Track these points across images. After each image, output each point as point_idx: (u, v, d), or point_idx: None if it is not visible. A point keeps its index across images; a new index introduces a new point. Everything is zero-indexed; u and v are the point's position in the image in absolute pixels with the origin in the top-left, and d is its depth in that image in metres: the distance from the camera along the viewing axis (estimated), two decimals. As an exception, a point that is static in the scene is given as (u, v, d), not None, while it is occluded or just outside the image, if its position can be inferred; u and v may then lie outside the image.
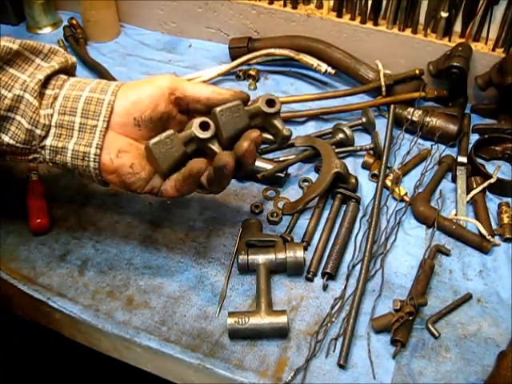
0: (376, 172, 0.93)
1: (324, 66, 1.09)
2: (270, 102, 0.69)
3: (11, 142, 0.67)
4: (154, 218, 0.86)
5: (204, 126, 0.67)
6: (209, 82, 1.15)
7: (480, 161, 0.96)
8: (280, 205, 0.89)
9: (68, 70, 0.73)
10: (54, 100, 0.68)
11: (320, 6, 1.16)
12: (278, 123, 0.70)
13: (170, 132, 0.66)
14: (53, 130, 0.67)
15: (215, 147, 0.67)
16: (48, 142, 0.67)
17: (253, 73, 1.16)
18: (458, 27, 1.07)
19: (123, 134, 0.68)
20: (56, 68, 0.70)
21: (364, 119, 1.02)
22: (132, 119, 0.68)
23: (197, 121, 0.67)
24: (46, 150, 0.68)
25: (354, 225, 0.86)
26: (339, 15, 1.14)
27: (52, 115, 0.67)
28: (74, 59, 0.75)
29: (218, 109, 0.66)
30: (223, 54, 1.24)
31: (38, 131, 0.67)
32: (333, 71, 1.08)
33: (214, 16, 1.25)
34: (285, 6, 1.18)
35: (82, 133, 0.67)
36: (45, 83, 0.68)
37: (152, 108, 0.68)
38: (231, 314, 0.71)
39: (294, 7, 1.17)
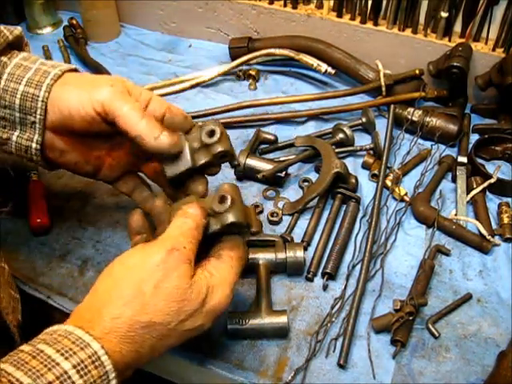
0: (376, 172, 0.93)
1: (324, 66, 1.09)
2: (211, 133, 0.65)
3: None
4: (154, 217, 0.86)
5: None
6: (209, 82, 1.15)
7: (480, 161, 0.96)
8: (280, 205, 0.89)
9: (14, 42, 0.70)
10: None
11: (320, 6, 1.16)
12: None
13: None
14: None
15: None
16: None
17: (253, 73, 1.16)
18: (458, 27, 1.07)
19: (61, 135, 0.68)
20: None
21: (364, 119, 1.02)
22: (65, 129, 0.67)
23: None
24: None
25: (353, 225, 0.86)
26: (339, 15, 1.14)
27: None
28: (16, 31, 0.70)
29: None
30: (223, 53, 1.24)
31: None
32: (333, 71, 1.08)
33: (214, 16, 1.25)
34: (285, 5, 1.18)
35: (24, 126, 0.67)
36: None
37: (83, 127, 0.66)
38: (231, 314, 0.71)
39: (294, 7, 1.17)
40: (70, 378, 0.46)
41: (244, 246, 0.63)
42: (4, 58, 0.67)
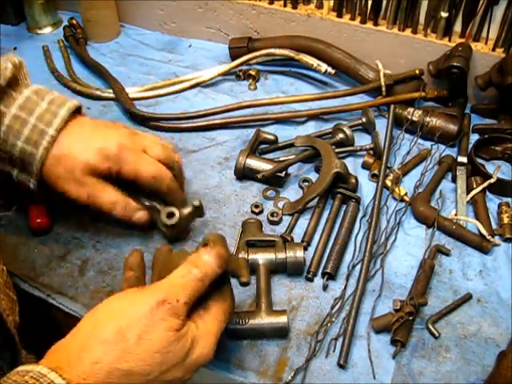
0: (376, 172, 0.93)
1: (324, 66, 1.09)
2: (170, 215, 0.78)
3: None
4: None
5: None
6: (209, 82, 1.15)
7: (480, 161, 0.96)
8: (280, 205, 0.89)
9: (12, 80, 0.73)
10: None
11: (320, 6, 1.16)
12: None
13: None
14: None
15: None
16: None
17: (253, 73, 1.16)
18: (458, 27, 1.07)
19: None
20: None
21: (364, 119, 1.02)
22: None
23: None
24: None
25: (354, 225, 0.86)
26: (339, 15, 1.14)
27: None
28: (7, 73, 0.73)
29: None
30: (223, 54, 1.24)
31: None
32: (333, 71, 1.08)
33: (214, 16, 1.25)
34: (285, 5, 1.18)
35: (23, 169, 0.74)
36: None
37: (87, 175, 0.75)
38: (231, 314, 0.71)
39: (294, 7, 1.17)
40: None
41: (231, 298, 0.62)
42: (1, 107, 0.72)
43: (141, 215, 0.79)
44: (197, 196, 0.90)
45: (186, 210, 0.80)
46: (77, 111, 0.78)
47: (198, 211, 0.81)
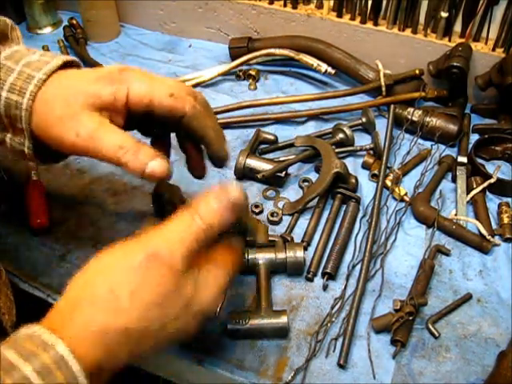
0: (376, 172, 0.93)
1: (324, 66, 1.09)
2: None
3: None
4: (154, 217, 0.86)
5: None
6: (209, 82, 1.15)
7: (480, 161, 0.96)
8: (280, 205, 0.89)
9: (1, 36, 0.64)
10: None
11: (320, 6, 1.16)
12: None
13: None
14: None
15: None
16: None
17: (253, 73, 1.16)
18: (458, 27, 1.07)
19: None
20: None
21: (364, 119, 1.02)
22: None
23: None
24: None
25: (354, 225, 0.86)
26: (339, 15, 1.14)
27: None
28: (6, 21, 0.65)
29: None
30: (223, 54, 1.24)
31: None
32: (333, 71, 1.08)
33: (214, 16, 1.25)
34: (285, 5, 1.18)
35: (14, 130, 0.62)
36: None
37: (72, 152, 0.61)
38: (231, 314, 0.71)
39: (294, 7, 1.17)
40: (29, 382, 0.41)
41: (241, 251, 0.59)
42: None
43: (157, 164, 0.57)
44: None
45: None
46: (74, 65, 0.65)
47: None
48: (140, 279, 0.49)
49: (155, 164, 0.57)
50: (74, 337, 0.46)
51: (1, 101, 0.60)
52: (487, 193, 0.92)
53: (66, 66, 0.62)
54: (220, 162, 0.66)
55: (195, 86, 1.14)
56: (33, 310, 0.76)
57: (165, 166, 0.57)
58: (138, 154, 0.57)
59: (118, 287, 0.49)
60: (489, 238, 0.83)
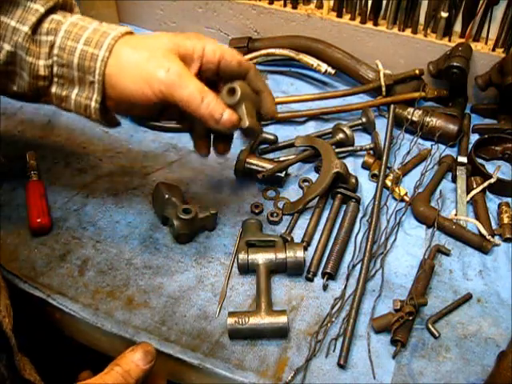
0: (376, 172, 0.93)
1: (324, 66, 1.09)
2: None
3: (19, 90, 0.68)
4: (154, 218, 0.86)
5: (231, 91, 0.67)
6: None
7: (480, 161, 0.96)
8: (280, 205, 0.89)
9: (64, 4, 0.70)
10: (50, 49, 0.66)
11: (320, 6, 1.16)
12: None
13: None
14: (55, 79, 0.67)
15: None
16: (53, 89, 0.68)
17: (253, 73, 1.16)
18: (458, 27, 1.07)
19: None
20: (42, 12, 0.66)
21: (364, 119, 1.02)
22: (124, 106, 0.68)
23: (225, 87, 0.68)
24: (52, 97, 0.68)
25: (354, 225, 0.86)
26: (339, 15, 1.14)
27: (51, 66, 0.66)
28: None
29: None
30: (223, 53, 1.24)
31: (41, 82, 0.67)
32: (333, 71, 1.08)
33: (213, 16, 1.25)
34: (285, 5, 1.18)
35: (83, 85, 0.66)
36: (36, 28, 0.65)
37: (145, 110, 0.69)
38: (231, 314, 0.71)
39: (294, 7, 1.17)
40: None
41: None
42: (58, 17, 0.66)
43: (230, 115, 0.65)
44: (197, 196, 0.90)
45: (203, 214, 0.81)
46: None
47: (212, 220, 0.83)
48: None
49: (228, 114, 0.65)
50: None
51: (75, 53, 0.64)
52: (487, 193, 0.92)
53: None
54: (270, 117, 0.74)
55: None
56: (33, 310, 0.77)
57: (235, 117, 0.66)
58: (217, 101, 0.64)
59: None
60: (489, 237, 0.83)
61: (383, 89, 1.06)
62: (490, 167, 0.95)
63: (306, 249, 0.82)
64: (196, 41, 0.67)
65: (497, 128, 1.01)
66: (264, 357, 0.69)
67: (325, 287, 0.77)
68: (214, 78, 0.70)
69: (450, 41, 1.07)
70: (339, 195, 0.88)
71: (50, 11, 0.67)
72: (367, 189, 0.93)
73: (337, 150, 0.96)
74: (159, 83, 0.63)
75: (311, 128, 1.05)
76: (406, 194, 0.90)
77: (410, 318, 0.71)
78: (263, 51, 1.14)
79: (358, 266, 0.79)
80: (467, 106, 1.08)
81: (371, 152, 0.97)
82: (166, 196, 0.82)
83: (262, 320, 0.70)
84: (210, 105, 0.64)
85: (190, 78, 0.64)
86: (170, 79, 0.62)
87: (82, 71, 0.65)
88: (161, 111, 0.72)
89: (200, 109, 0.64)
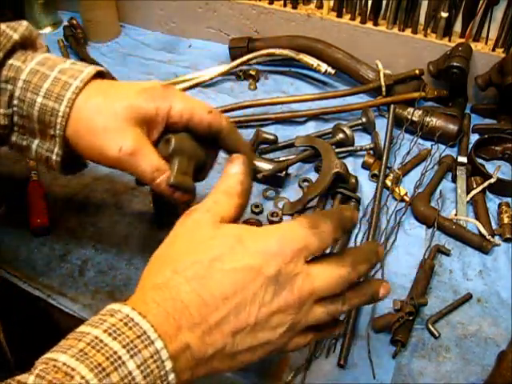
0: (376, 172, 0.93)
1: (324, 66, 1.09)
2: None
3: None
4: (154, 218, 0.86)
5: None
6: (209, 82, 1.15)
7: (480, 161, 0.96)
8: (280, 205, 0.89)
9: (23, 41, 0.65)
10: (10, 99, 0.62)
11: (320, 6, 1.16)
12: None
13: None
14: (15, 128, 0.64)
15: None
16: (13, 138, 0.64)
17: (253, 73, 1.16)
18: (458, 27, 1.07)
19: None
20: (0, 57, 0.62)
21: (364, 119, 1.02)
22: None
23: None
24: (12, 145, 0.65)
25: (354, 225, 0.86)
26: (339, 15, 1.14)
27: (11, 115, 0.63)
28: (21, 28, 0.65)
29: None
30: (223, 54, 1.23)
31: (1, 131, 0.63)
32: (333, 71, 1.08)
33: (214, 16, 1.25)
34: (285, 5, 1.18)
35: (44, 137, 0.63)
36: None
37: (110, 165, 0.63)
38: (231, 314, 0.70)
39: (294, 7, 1.17)
40: (133, 379, 0.40)
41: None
42: (17, 62, 0.62)
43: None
44: (197, 196, 0.90)
45: None
46: (104, 76, 0.66)
47: None
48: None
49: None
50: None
51: (35, 106, 0.60)
52: (487, 193, 0.92)
53: (98, 76, 0.63)
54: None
55: (195, 86, 1.14)
56: (33, 310, 0.77)
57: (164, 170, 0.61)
58: (166, 173, 0.60)
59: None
60: (489, 237, 0.83)
61: (383, 89, 1.06)
62: (490, 167, 0.95)
63: (306, 249, 0.82)
64: (161, 102, 0.60)
65: (497, 128, 1.01)
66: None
67: (325, 287, 0.77)
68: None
69: (450, 41, 1.07)
70: (339, 195, 0.88)
71: (9, 55, 0.62)
72: (367, 189, 0.93)
73: (337, 150, 0.96)
74: (111, 160, 0.60)
75: (311, 128, 1.05)
76: (406, 194, 0.90)
77: (410, 318, 0.71)
78: (263, 51, 1.13)
79: (358, 266, 0.79)
80: (467, 105, 1.08)
81: (371, 152, 0.97)
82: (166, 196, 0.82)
83: (262, 320, 0.70)
84: (163, 183, 0.60)
85: (144, 155, 0.59)
86: (121, 158, 0.59)
87: (43, 124, 0.61)
88: None
89: (153, 184, 0.61)
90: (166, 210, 0.82)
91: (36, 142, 0.64)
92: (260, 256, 0.47)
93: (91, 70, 0.62)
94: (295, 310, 0.48)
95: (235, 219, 0.53)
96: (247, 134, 1.03)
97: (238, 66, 1.15)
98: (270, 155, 0.97)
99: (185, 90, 1.14)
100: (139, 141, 0.59)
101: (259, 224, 0.83)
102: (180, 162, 0.61)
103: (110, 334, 0.41)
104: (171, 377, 0.42)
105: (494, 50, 1.04)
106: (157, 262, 0.51)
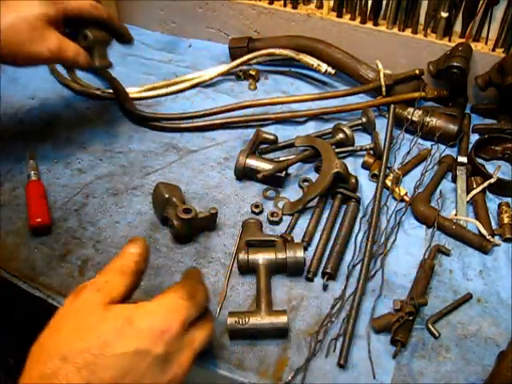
0: (376, 172, 0.93)
1: (324, 66, 1.09)
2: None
3: None
4: (154, 218, 0.86)
5: None
6: (209, 82, 1.15)
7: (480, 161, 0.96)
8: (280, 205, 0.89)
9: None
10: None
11: (320, 6, 1.16)
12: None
13: None
14: None
15: None
16: None
17: (253, 73, 1.16)
18: (458, 27, 1.07)
19: None
20: None
21: (364, 119, 1.02)
22: None
23: None
24: None
25: (354, 225, 0.86)
26: (339, 15, 1.14)
27: None
28: None
29: None
30: (223, 53, 1.24)
31: None
32: (333, 71, 1.08)
33: (214, 16, 1.25)
34: (285, 5, 1.18)
35: None
36: None
37: None
38: (231, 314, 0.71)
39: (294, 7, 1.17)
40: None
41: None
42: None
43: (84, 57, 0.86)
44: (197, 196, 0.90)
45: (203, 214, 0.81)
46: None
47: (212, 220, 0.83)
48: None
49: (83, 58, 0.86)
50: None
51: None
52: (487, 193, 0.92)
53: None
54: (128, 38, 0.96)
55: (195, 85, 1.14)
56: (33, 310, 0.77)
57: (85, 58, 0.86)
58: (85, 54, 0.85)
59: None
60: (489, 237, 0.83)
61: (383, 89, 1.06)
62: (490, 167, 0.95)
63: (306, 249, 0.82)
64: (59, 3, 0.80)
65: (497, 128, 1.01)
66: (264, 357, 0.69)
67: (325, 287, 0.77)
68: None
69: (450, 41, 1.07)
70: (339, 195, 0.88)
71: None
72: (367, 189, 0.93)
73: (337, 150, 0.96)
74: (42, 61, 0.82)
75: (311, 128, 1.05)
76: (406, 194, 0.90)
77: (410, 317, 0.71)
78: (263, 51, 1.13)
79: (358, 266, 0.79)
80: (467, 105, 1.08)
81: (371, 152, 0.97)
82: (166, 196, 0.82)
83: (262, 320, 0.70)
84: (84, 60, 0.85)
85: (66, 47, 0.80)
86: (52, 55, 0.79)
87: None
88: None
89: (76, 63, 0.85)
90: (166, 209, 0.82)
91: None
92: (149, 336, 0.50)
93: None
94: (183, 378, 0.54)
95: (126, 298, 0.55)
96: (247, 133, 1.03)
97: (237, 65, 1.15)
98: (270, 155, 0.97)
99: (185, 89, 1.14)
100: (58, 38, 0.79)
101: (259, 224, 0.83)
102: (97, 49, 0.88)
103: None
104: None
105: (493, 50, 1.04)
106: (44, 348, 0.50)
